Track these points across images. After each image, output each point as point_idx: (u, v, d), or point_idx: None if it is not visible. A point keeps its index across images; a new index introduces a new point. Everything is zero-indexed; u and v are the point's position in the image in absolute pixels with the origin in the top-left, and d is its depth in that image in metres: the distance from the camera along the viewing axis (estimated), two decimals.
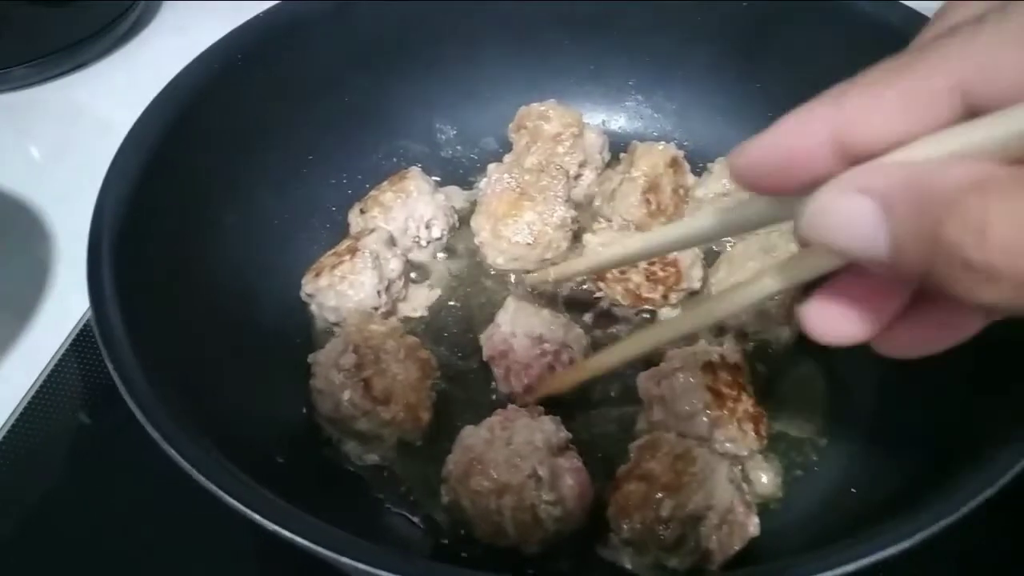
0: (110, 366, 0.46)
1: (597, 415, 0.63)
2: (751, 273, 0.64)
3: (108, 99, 0.98)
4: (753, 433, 0.58)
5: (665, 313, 0.69)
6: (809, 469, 0.60)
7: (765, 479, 0.59)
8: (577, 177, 0.78)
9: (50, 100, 0.99)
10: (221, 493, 0.41)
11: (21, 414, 0.67)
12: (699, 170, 0.78)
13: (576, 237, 0.73)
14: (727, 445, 0.57)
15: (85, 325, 0.73)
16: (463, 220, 0.76)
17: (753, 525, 0.53)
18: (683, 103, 0.83)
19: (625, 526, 0.52)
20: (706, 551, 0.51)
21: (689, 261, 0.69)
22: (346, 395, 0.58)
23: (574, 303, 0.70)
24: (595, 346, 0.66)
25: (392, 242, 0.70)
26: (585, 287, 0.71)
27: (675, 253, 0.68)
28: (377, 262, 0.67)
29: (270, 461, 0.55)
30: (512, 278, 0.73)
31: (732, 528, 0.52)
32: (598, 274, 0.69)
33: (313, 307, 0.68)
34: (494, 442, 0.54)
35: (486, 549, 0.55)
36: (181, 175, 0.61)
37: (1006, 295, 0.24)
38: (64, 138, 0.94)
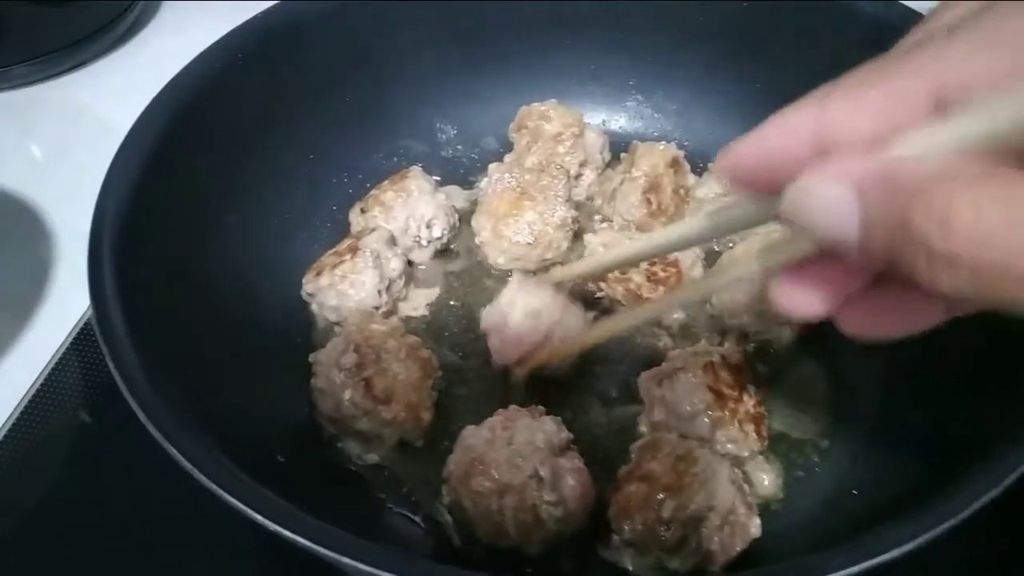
0: (111, 365, 0.46)
1: (598, 415, 0.63)
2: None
3: (108, 98, 0.98)
4: (754, 434, 0.58)
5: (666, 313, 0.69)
6: (810, 470, 0.60)
7: (766, 480, 0.59)
8: (578, 177, 0.78)
9: (51, 99, 0.99)
10: (223, 493, 0.41)
11: (22, 413, 0.67)
12: (700, 170, 0.78)
13: (577, 237, 0.73)
14: (728, 446, 0.57)
15: (86, 324, 0.73)
16: (464, 220, 0.76)
17: (755, 526, 0.53)
18: (684, 103, 0.83)
19: (626, 527, 0.52)
20: (708, 552, 0.51)
21: (690, 261, 0.69)
22: (347, 394, 0.58)
23: None
24: None
25: (393, 241, 0.70)
26: (587, 287, 0.71)
27: (676, 254, 0.68)
28: (378, 261, 0.67)
29: (271, 461, 0.55)
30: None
31: (734, 529, 0.52)
32: (600, 276, 0.69)
33: (314, 306, 0.68)
34: (495, 442, 0.54)
35: (487, 549, 0.55)
36: (182, 174, 0.61)
37: (965, 282, 0.26)
38: (64, 137, 0.94)
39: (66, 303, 0.76)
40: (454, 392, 0.65)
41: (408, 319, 0.70)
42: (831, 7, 0.71)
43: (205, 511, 0.44)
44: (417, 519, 0.58)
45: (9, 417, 0.67)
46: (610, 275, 0.68)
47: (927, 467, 0.51)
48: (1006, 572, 0.60)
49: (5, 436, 0.66)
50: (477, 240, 0.73)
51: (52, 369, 0.70)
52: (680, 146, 0.77)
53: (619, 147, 0.80)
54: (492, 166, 0.76)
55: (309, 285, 0.67)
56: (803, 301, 0.35)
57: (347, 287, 0.65)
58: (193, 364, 0.53)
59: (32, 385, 0.69)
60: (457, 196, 0.79)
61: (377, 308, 0.66)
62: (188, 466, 0.42)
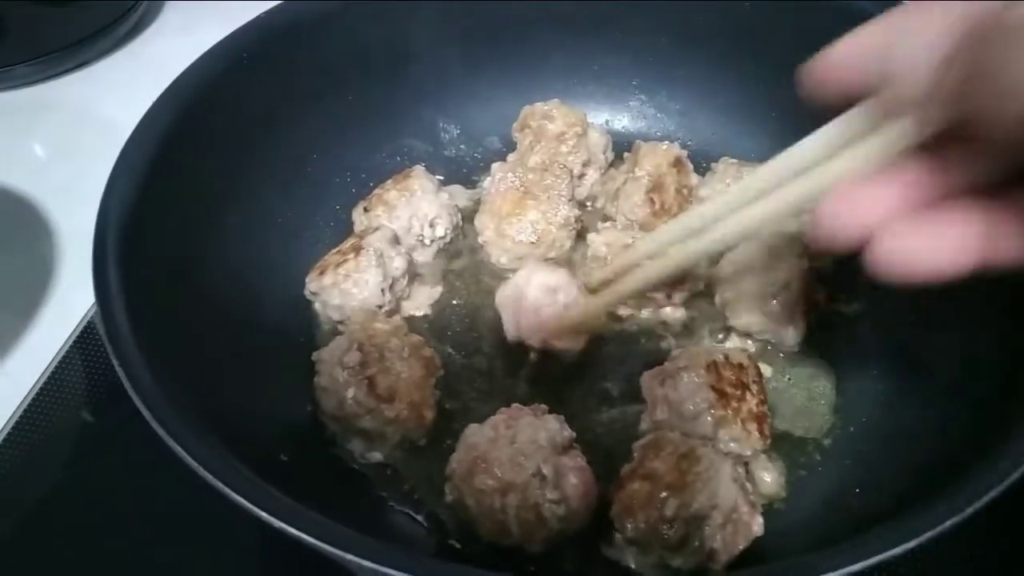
0: (116, 364, 0.46)
1: (601, 414, 0.63)
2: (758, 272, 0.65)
3: (111, 98, 0.98)
4: (757, 433, 0.58)
5: (668, 313, 0.69)
6: (813, 469, 0.60)
7: (769, 479, 0.59)
8: (581, 176, 0.78)
9: (53, 99, 0.99)
10: (228, 491, 0.41)
11: (25, 412, 0.68)
12: (703, 170, 0.77)
13: (580, 236, 0.73)
14: (731, 445, 0.57)
15: (89, 323, 0.73)
16: (467, 219, 0.76)
17: (757, 525, 0.53)
18: (686, 103, 0.83)
19: (629, 525, 0.52)
20: (710, 551, 0.51)
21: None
22: (350, 393, 0.58)
23: None
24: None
25: (396, 240, 0.70)
26: None
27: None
28: (381, 260, 0.67)
29: (274, 459, 0.55)
30: None
31: (736, 528, 0.52)
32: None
33: (317, 305, 0.68)
34: (498, 440, 0.54)
35: (490, 547, 0.55)
36: (185, 174, 0.61)
37: None
38: (68, 137, 0.94)
39: (69, 302, 0.76)
40: (457, 391, 0.65)
41: (411, 318, 0.70)
42: (832, 7, 0.71)
43: (208, 510, 0.44)
44: (420, 518, 0.58)
45: (12, 416, 0.67)
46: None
47: (928, 467, 0.51)
48: (1006, 572, 0.60)
49: (8, 435, 0.66)
50: (480, 239, 0.74)
51: (55, 368, 0.70)
52: (683, 146, 0.77)
53: (622, 147, 0.80)
54: (495, 165, 0.76)
55: (312, 284, 0.68)
56: (857, 214, 0.37)
57: (350, 286, 0.66)
58: (196, 363, 0.53)
59: (35, 384, 0.69)
60: (460, 195, 0.79)
61: (380, 307, 0.66)
62: (194, 464, 0.42)
